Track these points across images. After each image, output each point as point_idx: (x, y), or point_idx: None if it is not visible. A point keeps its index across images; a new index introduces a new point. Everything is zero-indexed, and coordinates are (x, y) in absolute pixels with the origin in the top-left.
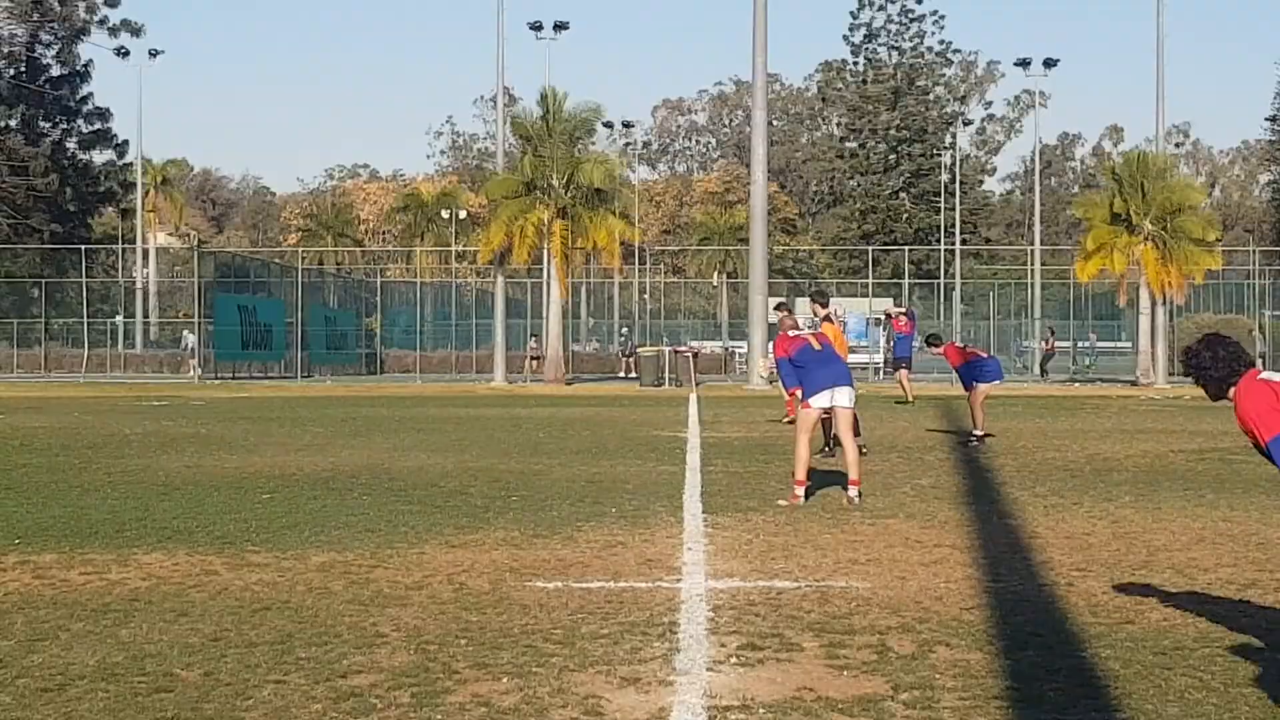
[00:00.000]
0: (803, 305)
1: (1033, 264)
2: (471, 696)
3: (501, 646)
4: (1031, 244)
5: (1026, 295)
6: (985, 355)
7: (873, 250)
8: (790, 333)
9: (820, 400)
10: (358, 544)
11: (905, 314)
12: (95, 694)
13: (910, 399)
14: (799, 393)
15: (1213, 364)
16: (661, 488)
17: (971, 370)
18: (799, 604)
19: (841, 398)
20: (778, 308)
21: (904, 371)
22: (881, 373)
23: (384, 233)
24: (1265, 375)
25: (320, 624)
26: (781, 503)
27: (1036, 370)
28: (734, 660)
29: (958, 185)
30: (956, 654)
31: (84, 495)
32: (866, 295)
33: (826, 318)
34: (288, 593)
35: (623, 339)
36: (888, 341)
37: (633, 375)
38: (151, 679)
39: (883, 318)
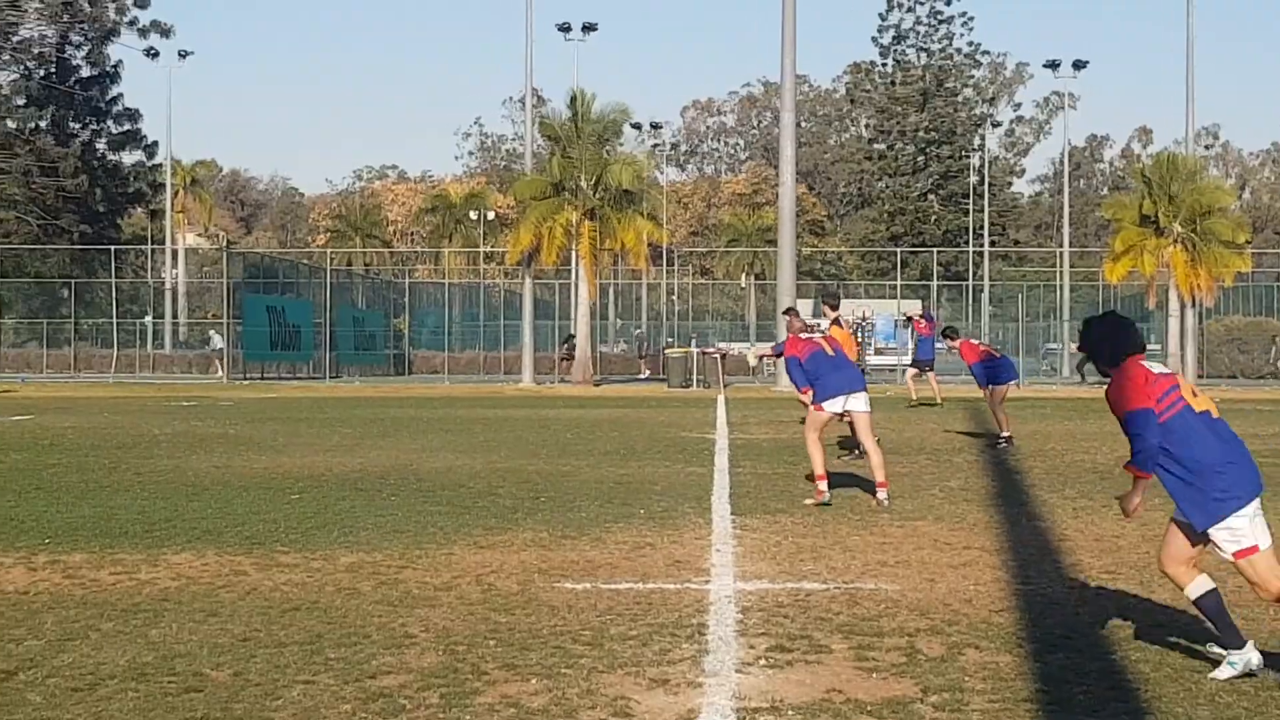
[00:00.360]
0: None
1: (1061, 266)
2: (500, 697)
3: (530, 647)
4: (1060, 246)
5: (1055, 297)
6: (998, 354)
7: (901, 252)
8: (801, 335)
9: (834, 405)
10: (386, 545)
11: (924, 316)
12: (125, 694)
13: (939, 400)
14: (809, 394)
15: (1100, 342)
16: (690, 489)
17: (987, 370)
18: (828, 606)
19: (857, 403)
20: (786, 312)
21: (915, 371)
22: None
23: (412, 234)
24: (1147, 363)
25: (349, 625)
26: (808, 501)
27: (1067, 372)
28: (763, 662)
29: (986, 187)
30: (986, 656)
31: (114, 495)
32: (894, 297)
33: (835, 320)
34: (317, 593)
35: (637, 338)
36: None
37: (646, 375)
38: (181, 679)
39: (904, 320)
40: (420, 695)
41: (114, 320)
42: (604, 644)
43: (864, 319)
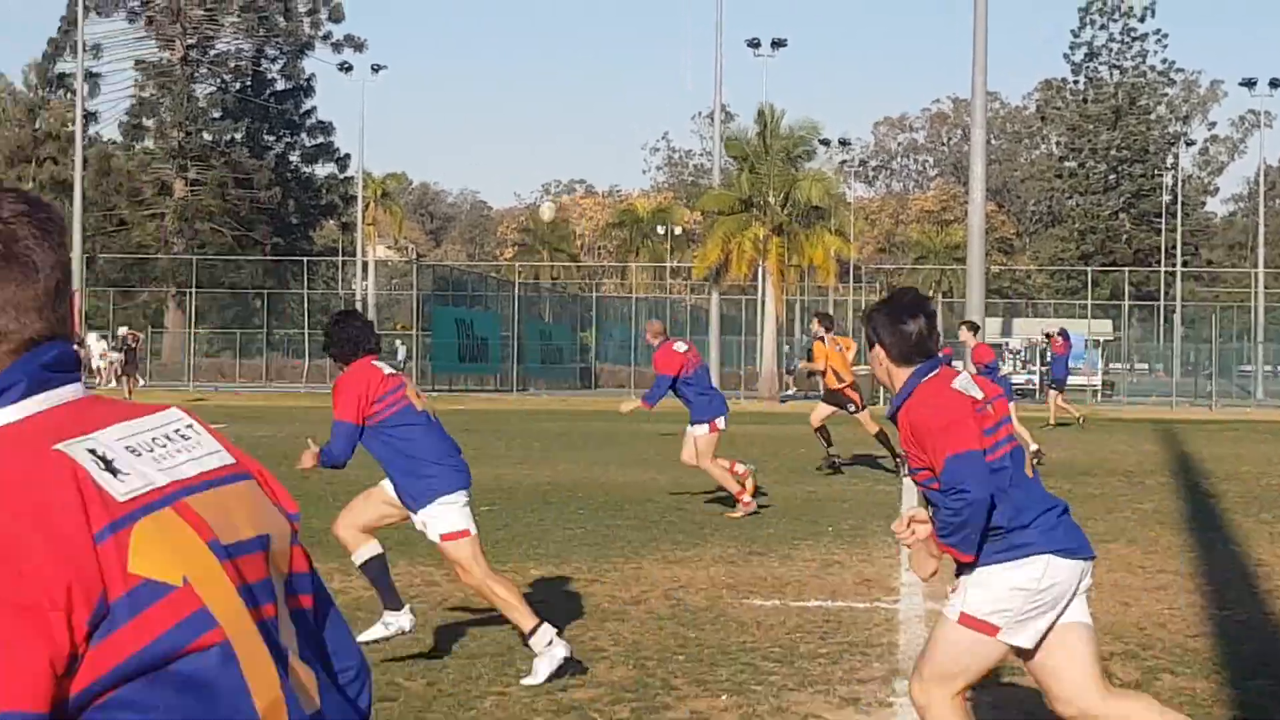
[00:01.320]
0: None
1: (1256, 287)
2: (690, 713)
3: (719, 663)
4: (1255, 266)
5: (1249, 318)
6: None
7: (1091, 271)
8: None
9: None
10: (576, 558)
11: (1060, 334)
12: None
13: (1079, 419)
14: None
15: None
16: (878, 506)
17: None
18: None
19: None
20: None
21: (1057, 393)
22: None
23: (599, 248)
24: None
25: None
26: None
27: (1261, 394)
28: None
29: (1179, 206)
30: (1181, 681)
31: (306, 505)
32: (1085, 317)
33: (819, 338)
34: None
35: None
36: (1044, 363)
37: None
38: (376, 688)
39: (1042, 338)
40: (611, 709)
41: (305, 330)
42: (794, 661)
43: (1048, 337)
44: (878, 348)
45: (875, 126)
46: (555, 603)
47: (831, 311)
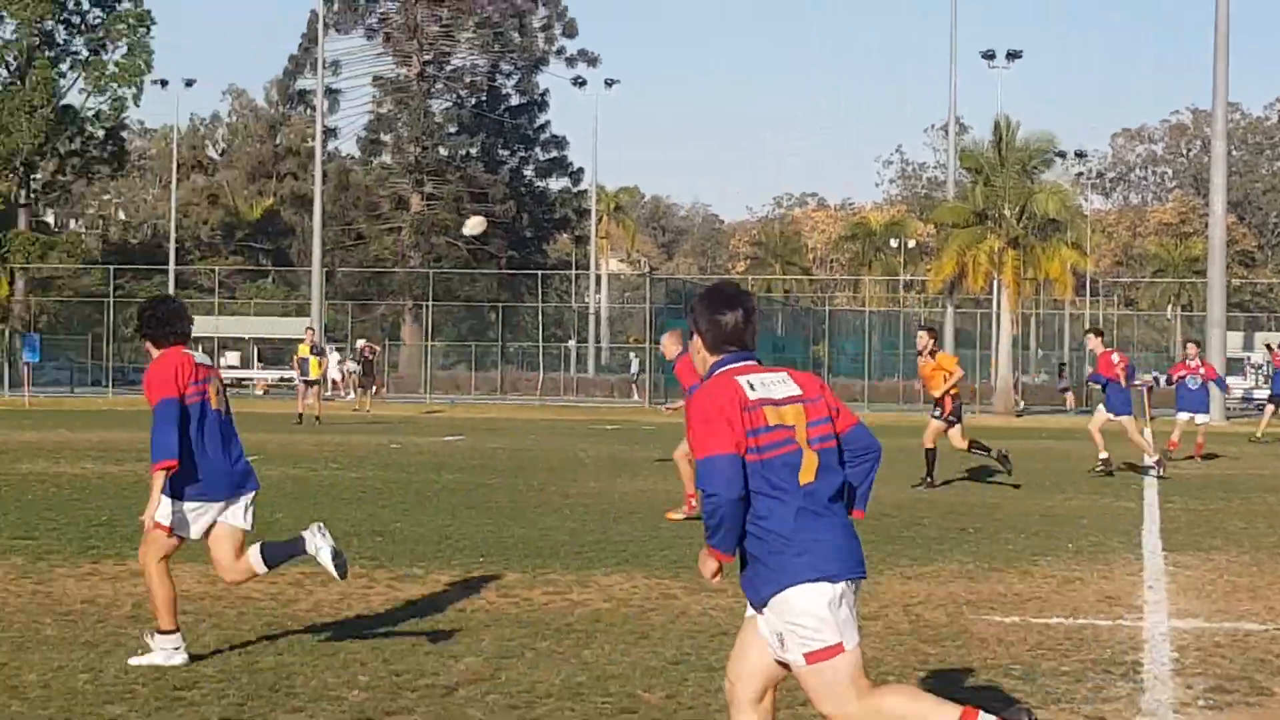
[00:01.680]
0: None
1: None
2: None
3: (961, 680)
4: None
5: None
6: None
7: None
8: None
9: None
10: None
11: None
12: (562, 713)
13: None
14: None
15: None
16: (1118, 523)
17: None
18: (1267, 647)
19: None
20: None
21: (1270, 407)
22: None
23: (831, 261)
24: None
25: None
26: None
27: None
28: (1201, 703)
29: None
30: None
31: (543, 516)
32: None
33: (931, 351)
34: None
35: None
36: (1267, 377)
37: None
38: (615, 700)
39: (1266, 350)
40: None
41: (540, 344)
42: (1036, 679)
43: (1269, 349)
44: (696, 336)
45: (1113, 138)
46: None
47: (1067, 326)
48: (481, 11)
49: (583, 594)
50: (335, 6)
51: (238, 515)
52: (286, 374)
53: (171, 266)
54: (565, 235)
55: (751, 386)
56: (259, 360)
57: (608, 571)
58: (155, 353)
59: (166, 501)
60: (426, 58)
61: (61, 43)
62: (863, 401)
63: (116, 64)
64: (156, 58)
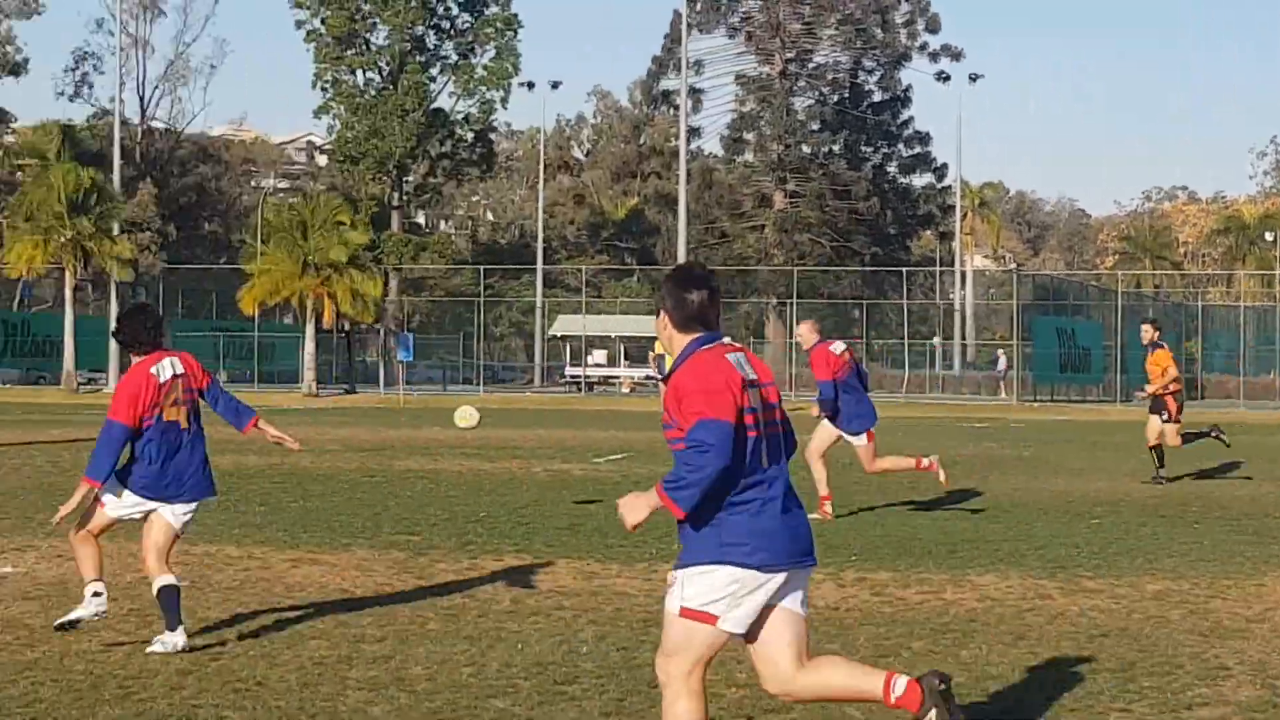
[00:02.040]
0: None
1: None
2: None
3: None
4: None
5: None
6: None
7: None
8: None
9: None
10: (1193, 573)
11: None
12: None
13: None
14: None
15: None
16: None
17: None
18: None
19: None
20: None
21: None
22: None
23: (1203, 255)
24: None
25: (1160, 653)
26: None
27: None
28: None
29: None
30: None
31: (913, 515)
32: None
33: (1157, 344)
34: (1125, 620)
35: None
36: None
37: None
38: (996, 703)
39: None
40: None
41: (904, 341)
42: None
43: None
44: (663, 314)
45: None
46: (1174, 619)
47: None
48: (844, 8)
49: (957, 593)
50: (698, 6)
51: (177, 514)
52: (650, 372)
53: (539, 266)
54: (929, 232)
55: (741, 366)
56: (625, 358)
57: (982, 571)
58: (133, 360)
59: (114, 482)
60: (789, 55)
61: (432, 48)
62: (1238, 399)
63: (485, 67)
64: (523, 60)
